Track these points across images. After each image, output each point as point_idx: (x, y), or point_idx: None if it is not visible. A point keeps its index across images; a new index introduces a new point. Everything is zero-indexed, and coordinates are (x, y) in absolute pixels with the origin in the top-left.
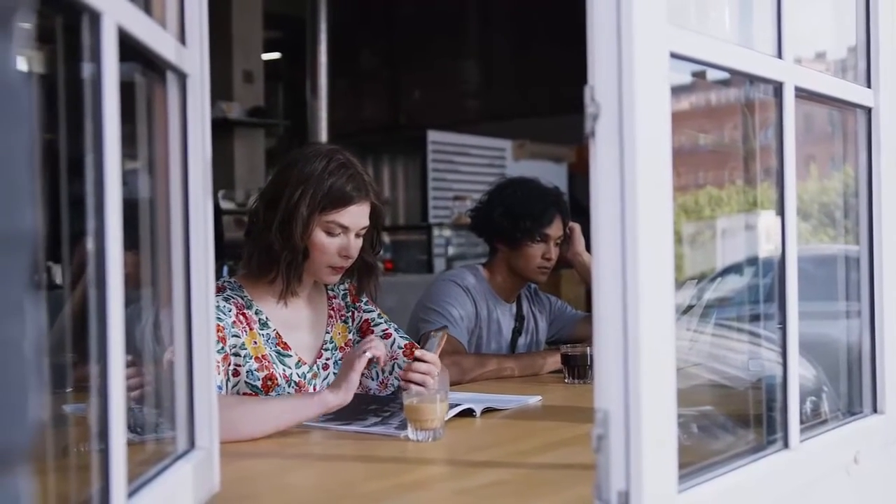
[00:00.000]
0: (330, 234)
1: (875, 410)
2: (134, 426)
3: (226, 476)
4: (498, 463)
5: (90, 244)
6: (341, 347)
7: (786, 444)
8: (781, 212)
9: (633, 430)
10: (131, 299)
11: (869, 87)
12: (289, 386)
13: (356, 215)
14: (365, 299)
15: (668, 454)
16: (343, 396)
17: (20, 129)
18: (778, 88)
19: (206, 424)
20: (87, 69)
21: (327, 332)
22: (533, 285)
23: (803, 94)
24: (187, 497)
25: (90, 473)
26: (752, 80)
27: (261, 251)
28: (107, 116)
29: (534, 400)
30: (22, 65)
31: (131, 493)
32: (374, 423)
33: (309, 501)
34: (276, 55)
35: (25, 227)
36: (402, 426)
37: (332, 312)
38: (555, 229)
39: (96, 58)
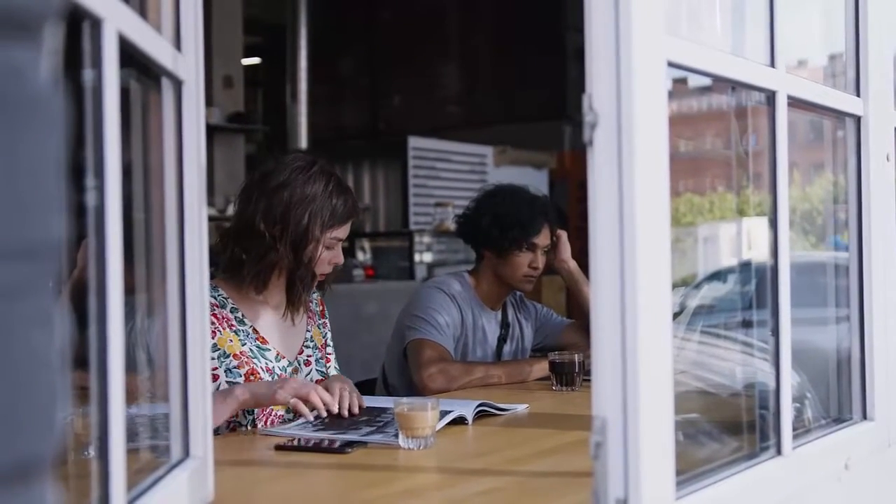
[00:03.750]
0: (329, 248)
1: (865, 417)
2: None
3: (220, 485)
4: (491, 471)
5: (91, 250)
6: (320, 347)
7: (779, 451)
8: (774, 219)
9: (630, 437)
10: (124, 305)
11: (858, 95)
12: (271, 378)
13: (349, 227)
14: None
15: (666, 461)
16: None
17: (49, 139)
18: (771, 97)
19: (200, 433)
20: (87, 75)
21: (308, 331)
22: (518, 292)
23: (794, 103)
24: None
25: (86, 482)
26: (746, 88)
27: (265, 269)
28: (107, 122)
29: (522, 408)
30: (51, 74)
31: (129, 503)
32: (368, 432)
33: None
34: (255, 60)
35: (55, 235)
36: (398, 434)
37: (310, 313)
38: (542, 238)
39: (97, 64)
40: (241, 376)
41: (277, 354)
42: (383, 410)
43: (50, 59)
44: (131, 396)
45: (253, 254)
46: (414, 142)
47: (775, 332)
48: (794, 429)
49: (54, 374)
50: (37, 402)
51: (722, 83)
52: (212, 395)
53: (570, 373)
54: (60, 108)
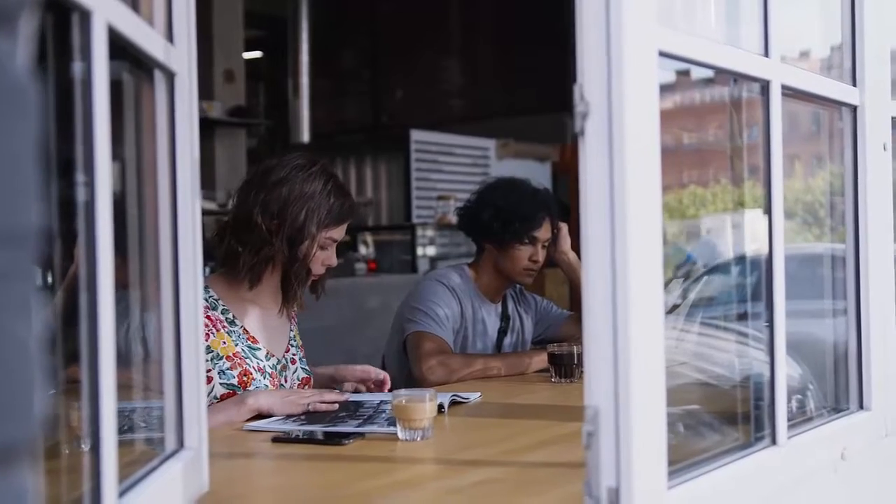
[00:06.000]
0: (323, 248)
1: (861, 407)
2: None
3: (214, 476)
4: (488, 462)
5: (81, 246)
6: (300, 347)
7: (773, 441)
8: (768, 210)
9: (622, 426)
10: (117, 300)
11: (854, 85)
12: (263, 378)
13: (344, 229)
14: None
15: (658, 450)
16: (271, 404)
17: (26, 128)
18: (765, 87)
19: (194, 424)
20: (76, 68)
21: (291, 330)
22: (518, 285)
23: (789, 93)
24: (177, 497)
25: (78, 474)
26: (740, 78)
27: (261, 262)
28: (97, 115)
29: (475, 396)
30: (27, 63)
31: (122, 493)
32: (359, 423)
33: (298, 501)
34: (257, 54)
35: (31, 224)
36: (391, 423)
37: (293, 313)
38: (543, 232)
39: (86, 57)
40: (234, 378)
41: (267, 353)
42: (360, 405)
43: (26, 47)
44: (127, 390)
45: (249, 247)
46: (416, 135)
47: (770, 322)
48: (795, 420)
49: (35, 359)
50: (17, 387)
51: (718, 74)
52: (224, 402)
53: (569, 364)
54: (37, 96)
